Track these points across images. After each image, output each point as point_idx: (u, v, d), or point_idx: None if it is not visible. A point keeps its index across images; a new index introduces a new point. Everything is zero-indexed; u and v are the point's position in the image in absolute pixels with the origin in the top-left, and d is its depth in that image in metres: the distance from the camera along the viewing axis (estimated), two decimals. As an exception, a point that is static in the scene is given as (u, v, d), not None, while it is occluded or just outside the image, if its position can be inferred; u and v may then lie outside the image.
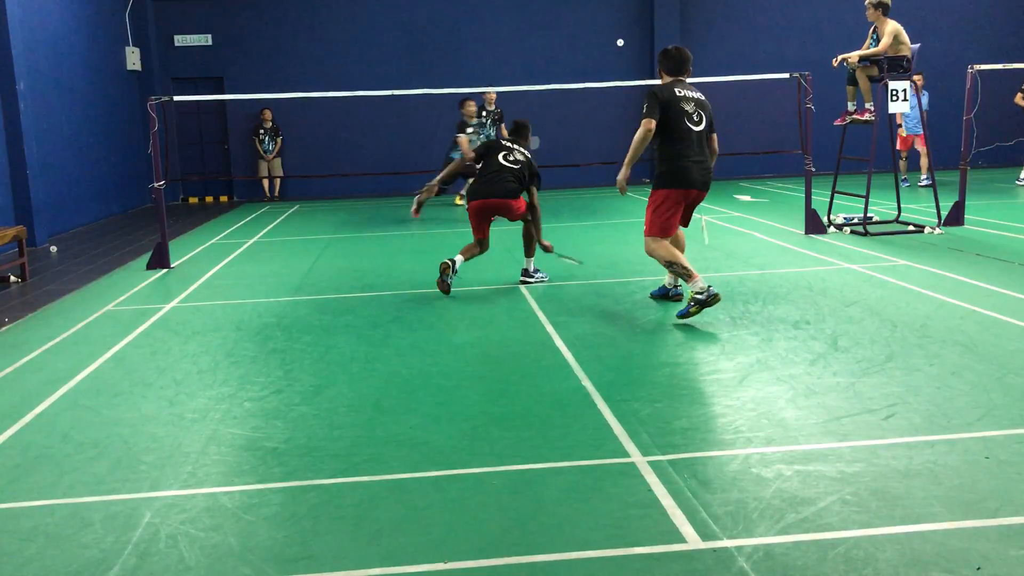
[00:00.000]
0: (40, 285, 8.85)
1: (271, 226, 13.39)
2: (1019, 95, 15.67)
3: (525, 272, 8.01)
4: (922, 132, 14.13)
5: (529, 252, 7.98)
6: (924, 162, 15.50)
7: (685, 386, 4.89)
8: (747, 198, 14.51)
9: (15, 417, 4.77)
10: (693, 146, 6.34)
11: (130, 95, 16.97)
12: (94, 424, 4.63)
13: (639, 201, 15.07)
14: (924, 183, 15.27)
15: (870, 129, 10.14)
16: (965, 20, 18.97)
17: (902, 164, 15.75)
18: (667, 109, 6.29)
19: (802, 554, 3.01)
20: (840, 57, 9.93)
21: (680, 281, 6.84)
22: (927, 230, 10.03)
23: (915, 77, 10.41)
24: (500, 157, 7.77)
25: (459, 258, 7.61)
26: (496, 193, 7.63)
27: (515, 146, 7.91)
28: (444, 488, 3.67)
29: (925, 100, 16.04)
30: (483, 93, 14.46)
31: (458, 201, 15.01)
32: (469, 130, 13.71)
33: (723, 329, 6.05)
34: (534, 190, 7.85)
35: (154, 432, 4.46)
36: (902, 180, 15.35)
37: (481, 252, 7.86)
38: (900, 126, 15.37)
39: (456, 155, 13.15)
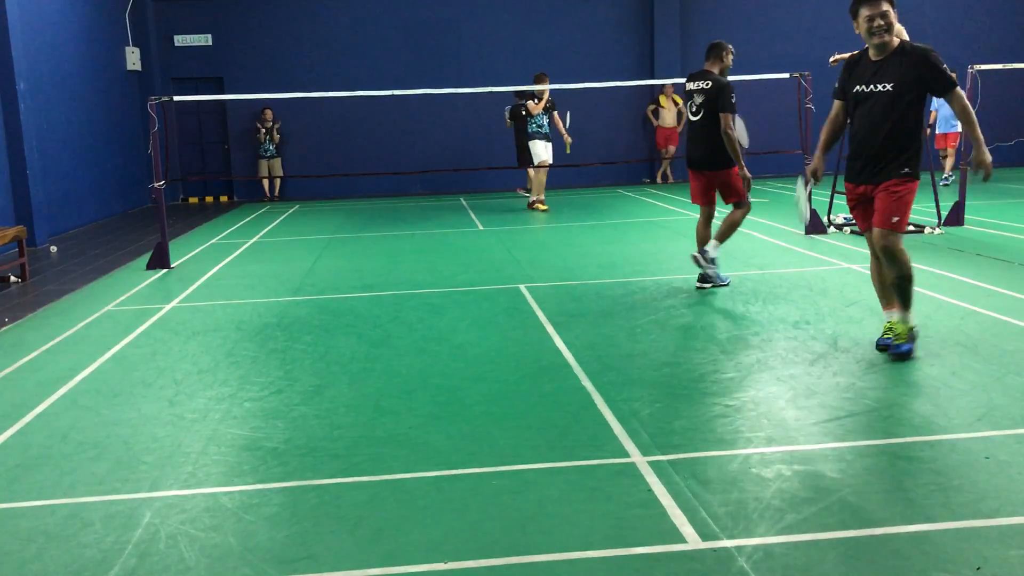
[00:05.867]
0: (40, 285, 8.85)
1: (271, 226, 13.39)
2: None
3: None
4: (957, 130, 14.21)
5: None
6: (950, 162, 15.54)
7: (685, 386, 4.89)
8: (747, 198, 14.48)
9: (15, 417, 4.77)
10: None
11: (130, 95, 16.97)
12: (94, 424, 4.63)
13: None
14: (946, 182, 15.26)
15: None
16: (965, 20, 18.96)
17: (948, 162, 15.74)
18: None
19: (802, 554, 3.01)
20: (836, 57, 9.86)
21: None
22: (927, 230, 10.02)
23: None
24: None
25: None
26: None
27: None
28: (444, 488, 3.67)
29: None
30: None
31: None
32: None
33: (723, 329, 6.05)
34: None
35: (154, 432, 4.46)
36: (942, 180, 15.37)
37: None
38: (932, 125, 15.32)
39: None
